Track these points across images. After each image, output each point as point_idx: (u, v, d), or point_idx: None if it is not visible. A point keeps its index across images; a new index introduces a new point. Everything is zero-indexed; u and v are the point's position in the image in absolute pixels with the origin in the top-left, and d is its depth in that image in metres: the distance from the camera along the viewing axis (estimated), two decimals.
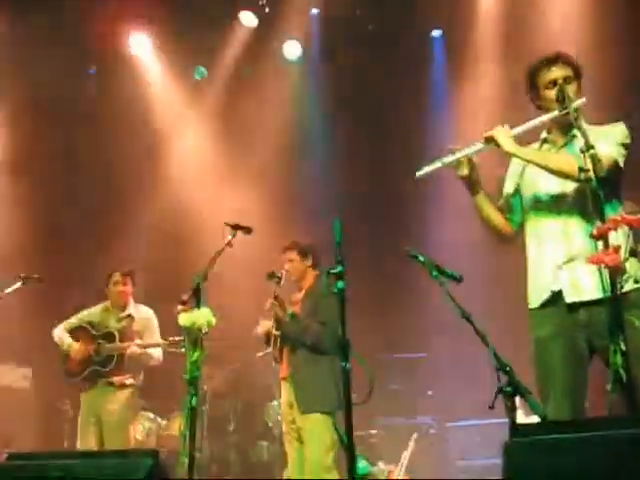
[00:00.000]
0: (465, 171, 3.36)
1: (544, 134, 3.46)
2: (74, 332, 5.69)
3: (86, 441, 5.43)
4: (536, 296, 3.28)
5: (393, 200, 7.77)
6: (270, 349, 4.87)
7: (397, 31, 7.71)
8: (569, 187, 3.20)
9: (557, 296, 3.17)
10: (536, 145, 3.47)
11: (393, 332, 7.33)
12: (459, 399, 6.68)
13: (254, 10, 7.90)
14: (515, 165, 3.50)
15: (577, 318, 3.11)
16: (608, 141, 3.16)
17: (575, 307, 3.12)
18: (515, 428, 1.98)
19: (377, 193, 7.97)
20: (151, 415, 6.53)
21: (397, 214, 7.75)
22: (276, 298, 4.72)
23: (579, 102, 3.21)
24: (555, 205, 3.26)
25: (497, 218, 3.47)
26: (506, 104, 6.77)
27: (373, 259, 7.43)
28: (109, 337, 5.56)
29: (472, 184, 3.41)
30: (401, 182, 5.89)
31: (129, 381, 5.55)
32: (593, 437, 1.85)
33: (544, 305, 3.23)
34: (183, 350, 5.11)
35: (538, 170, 3.30)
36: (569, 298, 3.13)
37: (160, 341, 5.60)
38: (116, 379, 5.49)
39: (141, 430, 6.38)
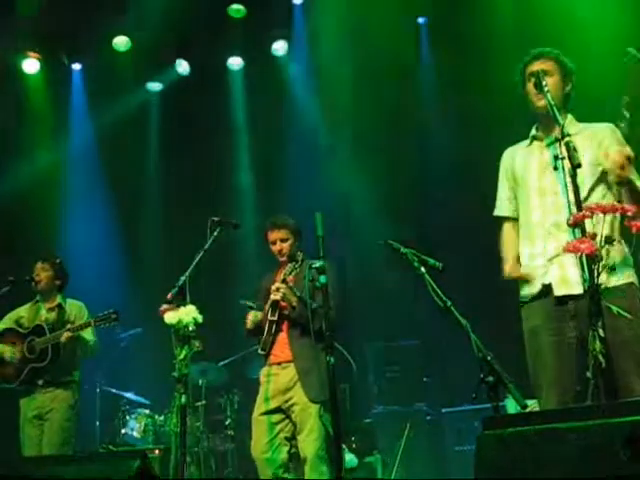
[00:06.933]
0: None
1: (533, 131, 3.48)
2: (3, 337, 5.30)
3: (31, 445, 5.09)
4: (527, 290, 3.32)
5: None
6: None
7: None
8: (557, 181, 3.20)
9: (547, 289, 3.22)
10: (525, 143, 3.49)
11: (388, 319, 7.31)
12: (455, 385, 6.68)
13: None
14: (507, 160, 3.54)
15: (566, 309, 3.15)
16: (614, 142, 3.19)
17: (564, 299, 3.16)
18: (487, 420, 1.99)
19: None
20: (147, 411, 6.55)
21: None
22: (284, 282, 4.57)
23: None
24: (545, 200, 3.28)
25: None
26: None
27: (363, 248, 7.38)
28: (38, 331, 5.18)
29: None
30: None
31: (68, 378, 5.21)
32: (564, 428, 1.86)
33: (535, 298, 3.28)
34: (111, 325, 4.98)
35: (526, 165, 3.33)
36: (558, 291, 3.17)
37: (92, 322, 5.09)
38: (55, 377, 5.14)
39: (138, 427, 6.39)
